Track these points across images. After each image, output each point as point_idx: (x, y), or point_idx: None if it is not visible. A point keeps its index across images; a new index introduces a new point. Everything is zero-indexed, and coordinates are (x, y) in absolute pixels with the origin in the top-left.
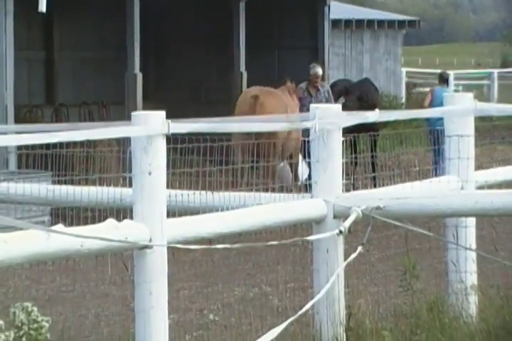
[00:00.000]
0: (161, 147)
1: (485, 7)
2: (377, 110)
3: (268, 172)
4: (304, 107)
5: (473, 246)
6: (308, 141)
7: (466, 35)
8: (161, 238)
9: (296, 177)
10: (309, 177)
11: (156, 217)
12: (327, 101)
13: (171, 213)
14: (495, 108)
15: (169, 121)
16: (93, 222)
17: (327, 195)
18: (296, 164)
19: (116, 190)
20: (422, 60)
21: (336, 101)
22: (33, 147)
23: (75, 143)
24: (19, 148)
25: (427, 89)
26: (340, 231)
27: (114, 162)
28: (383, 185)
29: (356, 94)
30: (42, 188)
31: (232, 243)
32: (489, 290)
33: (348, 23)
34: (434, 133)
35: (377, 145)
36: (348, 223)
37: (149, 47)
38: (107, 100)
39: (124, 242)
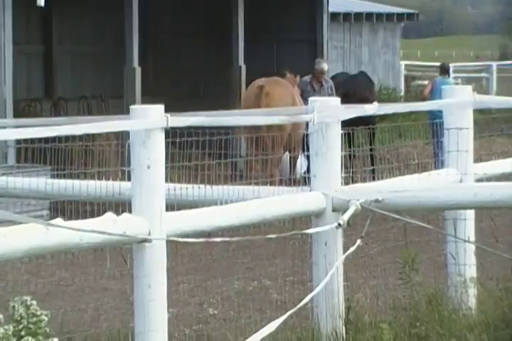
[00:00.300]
0: (159, 141)
1: None
2: (375, 103)
3: (275, 164)
4: (306, 101)
5: (472, 238)
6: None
7: (464, 27)
8: (159, 231)
9: (294, 170)
10: (308, 170)
11: (155, 210)
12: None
13: (170, 207)
14: (494, 100)
15: (168, 114)
16: (92, 215)
17: (326, 188)
18: (296, 157)
19: (115, 184)
20: (420, 53)
21: None
22: (32, 141)
23: (73, 137)
24: (18, 142)
25: (426, 82)
26: (339, 225)
27: (112, 156)
28: (382, 178)
29: (342, 91)
30: (41, 182)
31: (231, 236)
32: (488, 282)
33: (346, 16)
34: (434, 126)
35: (376, 138)
36: (347, 216)
37: (148, 41)
38: (105, 94)
39: (123, 236)
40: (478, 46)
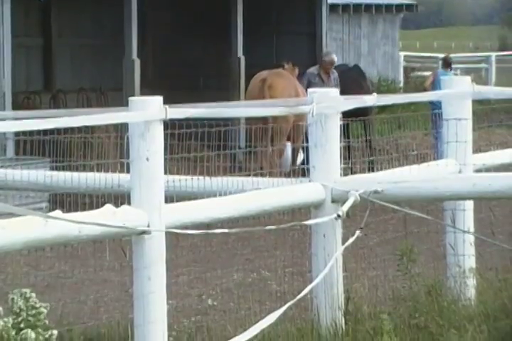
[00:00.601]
0: (158, 132)
1: None
2: (375, 94)
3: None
4: None
5: (472, 229)
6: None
7: (463, 18)
8: (159, 223)
9: (294, 161)
10: (306, 161)
11: (154, 202)
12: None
13: (169, 198)
14: (493, 91)
15: (167, 106)
16: (91, 208)
17: (325, 179)
18: (297, 148)
19: (114, 176)
20: (419, 44)
21: None
22: (31, 133)
23: (72, 129)
24: (17, 134)
25: (426, 73)
26: (339, 216)
27: (112, 148)
28: (381, 169)
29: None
30: (40, 174)
31: (231, 228)
32: (487, 273)
33: (345, 7)
34: (434, 117)
35: (374, 129)
36: (346, 207)
37: (147, 33)
38: (105, 86)
39: (122, 228)
40: (477, 37)
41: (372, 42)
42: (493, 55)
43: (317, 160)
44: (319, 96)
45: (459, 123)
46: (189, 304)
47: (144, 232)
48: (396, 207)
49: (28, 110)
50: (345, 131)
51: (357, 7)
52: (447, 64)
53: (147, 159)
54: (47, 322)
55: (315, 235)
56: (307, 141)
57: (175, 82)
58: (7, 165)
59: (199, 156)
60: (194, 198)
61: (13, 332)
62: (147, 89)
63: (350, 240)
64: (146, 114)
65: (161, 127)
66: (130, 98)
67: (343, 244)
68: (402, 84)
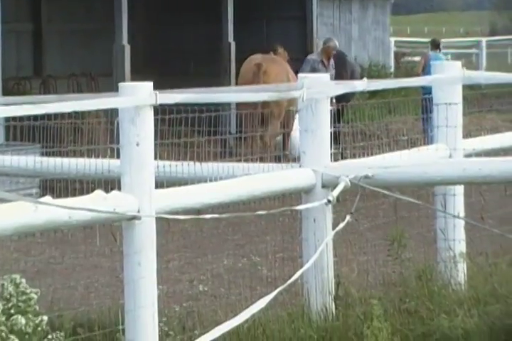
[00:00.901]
0: (148, 118)
1: None
2: (365, 79)
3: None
4: None
5: (462, 214)
6: None
7: (454, 3)
8: (149, 209)
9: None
10: None
11: (145, 187)
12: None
13: (159, 184)
14: (483, 76)
15: (157, 91)
16: (81, 193)
17: (316, 164)
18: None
19: (104, 162)
20: (410, 29)
21: None
22: (21, 119)
23: (62, 115)
24: (7, 120)
25: (416, 59)
26: (329, 201)
27: (102, 133)
28: (372, 154)
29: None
30: (30, 160)
31: (221, 213)
32: (478, 257)
33: None
34: (425, 101)
35: (344, 115)
36: (336, 192)
37: (138, 18)
38: (95, 72)
39: (113, 213)
40: (468, 22)
41: (362, 27)
42: (484, 40)
43: (307, 145)
44: (309, 82)
45: (449, 108)
46: (180, 289)
47: (134, 218)
48: (386, 192)
49: (18, 96)
50: (336, 117)
51: None
52: (436, 45)
53: (137, 144)
54: (37, 307)
55: (305, 220)
56: None
57: (165, 67)
58: None
59: (189, 142)
60: (184, 184)
61: (3, 318)
62: (137, 75)
63: (341, 225)
64: (136, 100)
65: (151, 112)
66: (120, 83)
67: (333, 229)
68: (392, 70)
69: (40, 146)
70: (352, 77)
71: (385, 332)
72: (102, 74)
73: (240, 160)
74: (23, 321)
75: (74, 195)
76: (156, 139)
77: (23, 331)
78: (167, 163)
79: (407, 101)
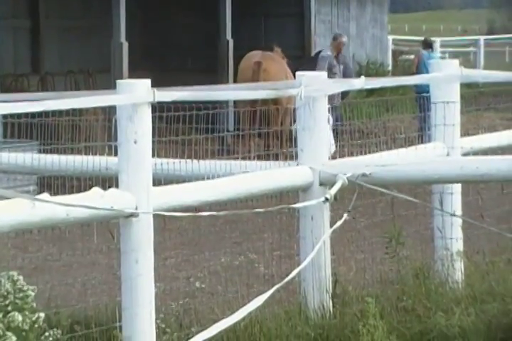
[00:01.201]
0: (146, 115)
1: None
2: (362, 77)
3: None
4: (335, 75)
5: (459, 212)
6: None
7: (452, 1)
8: (146, 206)
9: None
10: None
11: (142, 185)
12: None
13: (157, 181)
14: (481, 74)
15: (154, 89)
16: (79, 191)
17: (313, 162)
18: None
19: (102, 159)
20: (408, 27)
21: None
22: (19, 116)
23: (60, 112)
24: (5, 117)
25: (413, 57)
26: (327, 199)
27: (99, 131)
28: (369, 153)
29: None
30: (28, 157)
31: (219, 211)
32: (475, 256)
33: None
34: (420, 100)
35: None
36: (334, 190)
37: (136, 15)
38: (93, 69)
39: (110, 210)
40: (466, 20)
41: (360, 25)
42: (482, 38)
43: (305, 143)
44: (307, 79)
45: (447, 106)
46: (177, 287)
47: (131, 215)
48: (384, 190)
49: (16, 93)
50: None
51: None
52: (428, 45)
53: (135, 142)
54: (34, 305)
55: (303, 218)
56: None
57: (163, 63)
58: None
59: (187, 139)
60: (182, 181)
61: (0, 315)
62: (135, 71)
63: (338, 223)
64: (134, 97)
65: (149, 110)
66: (118, 81)
67: (330, 227)
68: (390, 68)
69: (37, 143)
70: (345, 73)
71: (381, 330)
72: (99, 71)
73: (237, 158)
74: (20, 318)
75: (71, 192)
76: (153, 137)
77: (20, 328)
78: (165, 160)
79: (404, 99)
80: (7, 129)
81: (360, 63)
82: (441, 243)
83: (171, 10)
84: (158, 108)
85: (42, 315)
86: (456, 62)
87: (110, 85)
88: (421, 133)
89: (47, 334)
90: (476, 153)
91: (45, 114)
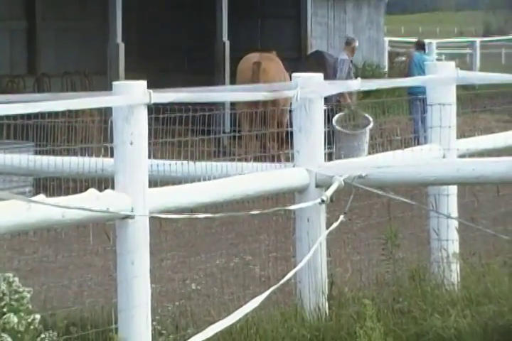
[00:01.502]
0: (142, 117)
1: None
2: (359, 79)
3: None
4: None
5: (455, 214)
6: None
7: (448, 3)
8: (143, 208)
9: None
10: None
11: (138, 187)
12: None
13: (153, 183)
14: (477, 76)
15: (151, 90)
16: (75, 192)
17: (309, 164)
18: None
19: (98, 160)
20: (404, 29)
21: None
22: (15, 117)
23: (56, 113)
24: (0, 118)
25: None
26: (323, 200)
27: (96, 132)
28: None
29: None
30: (23, 159)
31: (215, 213)
32: (471, 258)
33: None
34: (414, 102)
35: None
36: (330, 192)
37: (132, 17)
38: (89, 70)
39: (106, 212)
40: (462, 22)
41: (357, 26)
42: (478, 40)
43: (301, 144)
44: (303, 81)
45: (443, 108)
46: (173, 288)
47: (127, 217)
48: (380, 192)
49: (12, 94)
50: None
51: None
52: (420, 46)
53: (131, 143)
54: (30, 306)
55: (299, 220)
56: None
57: (159, 65)
58: None
59: (183, 141)
60: (178, 183)
61: None
62: (131, 73)
63: (334, 225)
64: (130, 99)
65: (145, 111)
66: (114, 82)
67: (327, 228)
68: (386, 69)
69: (33, 145)
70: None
71: (377, 332)
72: (95, 72)
73: (233, 160)
74: (16, 320)
75: (67, 193)
76: (149, 138)
77: (15, 330)
78: (161, 162)
79: (400, 101)
80: (3, 130)
81: (357, 65)
82: (437, 245)
83: (167, 11)
84: (154, 109)
85: (38, 316)
86: (452, 64)
87: (106, 86)
88: (415, 135)
89: (43, 335)
90: (472, 154)
91: (41, 115)
